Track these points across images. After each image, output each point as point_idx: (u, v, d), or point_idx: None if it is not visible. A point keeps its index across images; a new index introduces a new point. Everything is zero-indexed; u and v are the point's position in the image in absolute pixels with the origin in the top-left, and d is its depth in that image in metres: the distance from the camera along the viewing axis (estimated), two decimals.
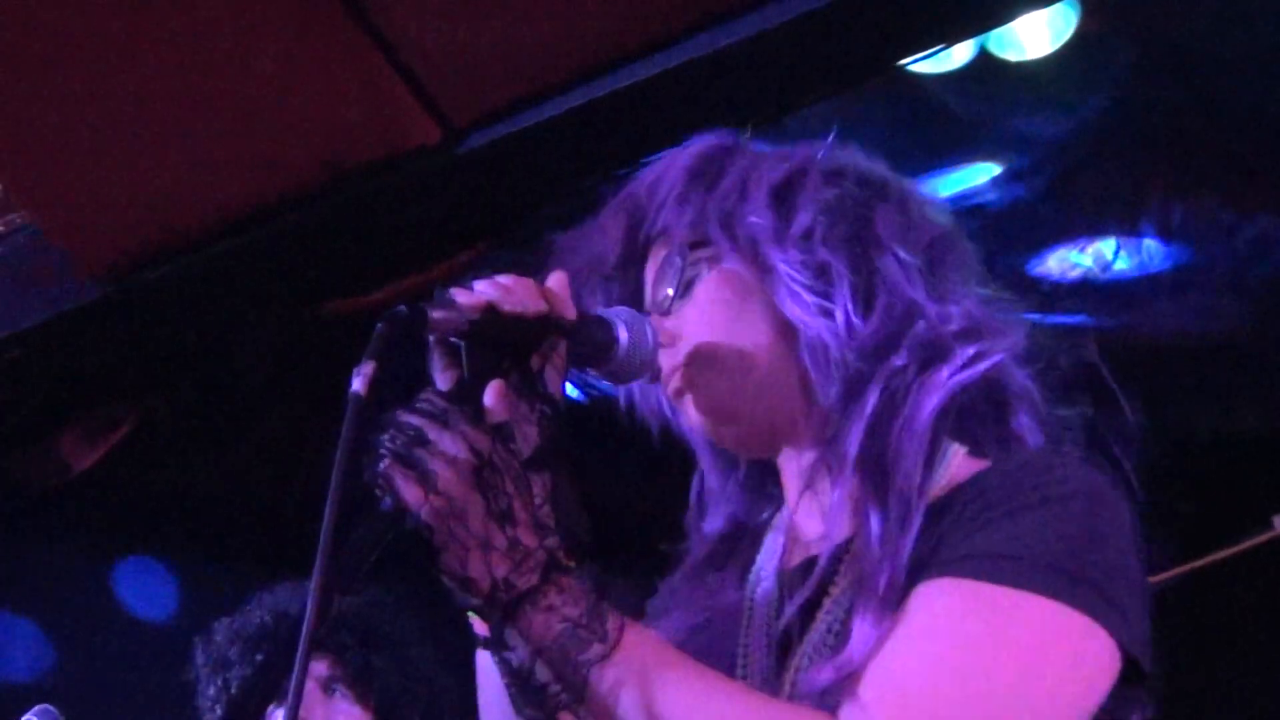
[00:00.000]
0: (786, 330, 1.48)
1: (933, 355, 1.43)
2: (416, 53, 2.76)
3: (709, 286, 1.53)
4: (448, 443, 1.29)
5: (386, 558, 1.29)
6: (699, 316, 1.53)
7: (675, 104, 2.72)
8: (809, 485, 1.49)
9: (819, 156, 1.53)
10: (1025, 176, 3.83)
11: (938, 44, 2.74)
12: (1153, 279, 4.17)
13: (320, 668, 2.77)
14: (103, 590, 4.53)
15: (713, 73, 2.67)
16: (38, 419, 3.80)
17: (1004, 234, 4.05)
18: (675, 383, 1.53)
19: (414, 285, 3.37)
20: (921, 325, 1.44)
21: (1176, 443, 4.82)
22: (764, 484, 1.59)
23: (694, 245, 1.53)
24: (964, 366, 1.42)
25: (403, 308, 1.34)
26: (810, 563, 1.45)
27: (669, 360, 1.52)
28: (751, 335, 1.50)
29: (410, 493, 1.27)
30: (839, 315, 1.43)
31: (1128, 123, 3.79)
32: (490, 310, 1.37)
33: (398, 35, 2.75)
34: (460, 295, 1.38)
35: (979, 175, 3.84)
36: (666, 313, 1.54)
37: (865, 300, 1.45)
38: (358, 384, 1.28)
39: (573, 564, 1.32)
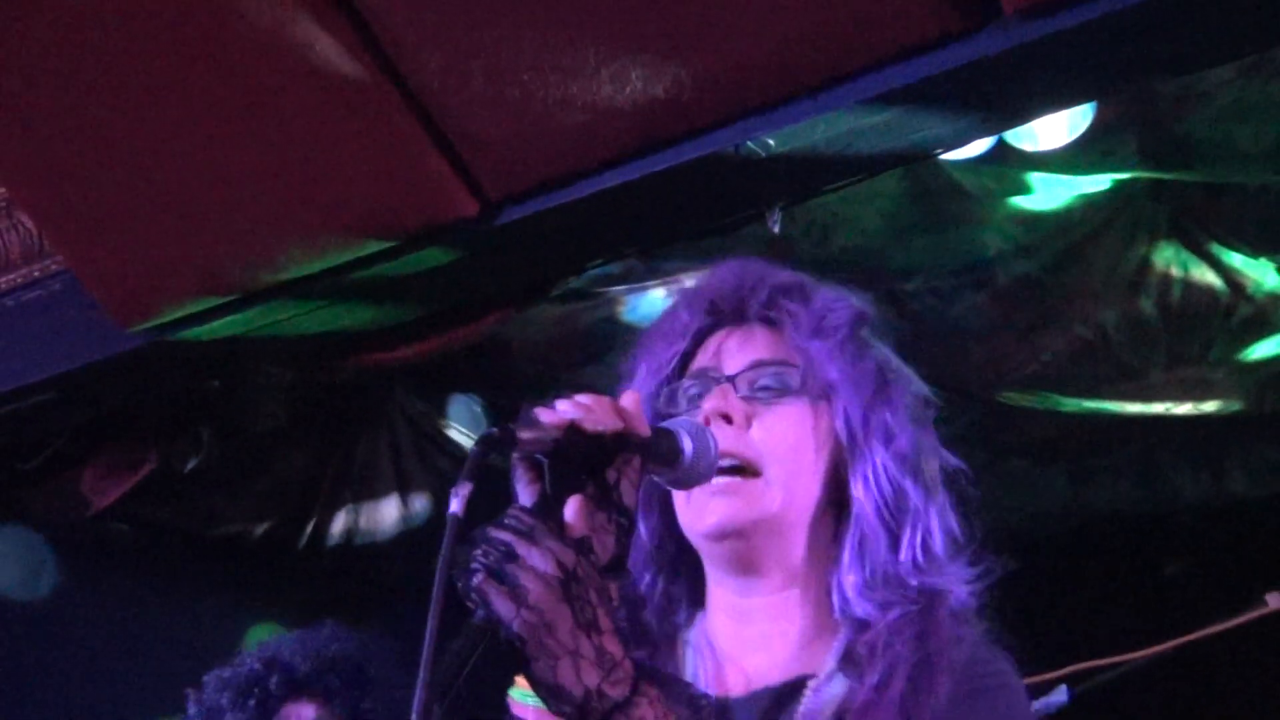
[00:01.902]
0: (836, 499, 1.63)
1: (949, 607, 1.61)
2: (458, 130, 2.86)
3: (805, 414, 1.65)
4: (536, 558, 1.39)
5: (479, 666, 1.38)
6: (788, 428, 1.64)
7: (698, 192, 2.83)
8: (765, 620, 1.63)
9: (928, 393, 1.70)
10: (1032, 251, 3.95)
11: (967, 141, 2.85)
12: (1149, 352, 4.29)
13: (308, 711, 2.83)
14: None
15: (748, 158, 2.77)
16: (63, 458, 3.89)
17: (1011, 304, 4.18)
18: (729, 462, 1.61)
19: (438, 345, 3.48)
20: (953, 588, 1.62)
21: (1172, 515, 4.93)
22: (685, 591, 1.70)
23: (816, 379, 1.65)
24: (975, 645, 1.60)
25: (494, 430, 1.44)
26: (757, 696, 1.58)
27: (732, 442, 1.61)
28: (812, 479, 1.64)
29: (503, 606, 1.37)
30: (904, 543, 1.60)
31: (1132, 202, 3.93)
32: (572, 429, 1.48)
33: (441, 113, 2.85)
34: (544, 415, 1.49)
35: (989, 248, 3.96)
36: (752, 398, 1.65)
37: (926, 549, 1.61)
38: (456, 505, 1.37)
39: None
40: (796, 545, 1.64)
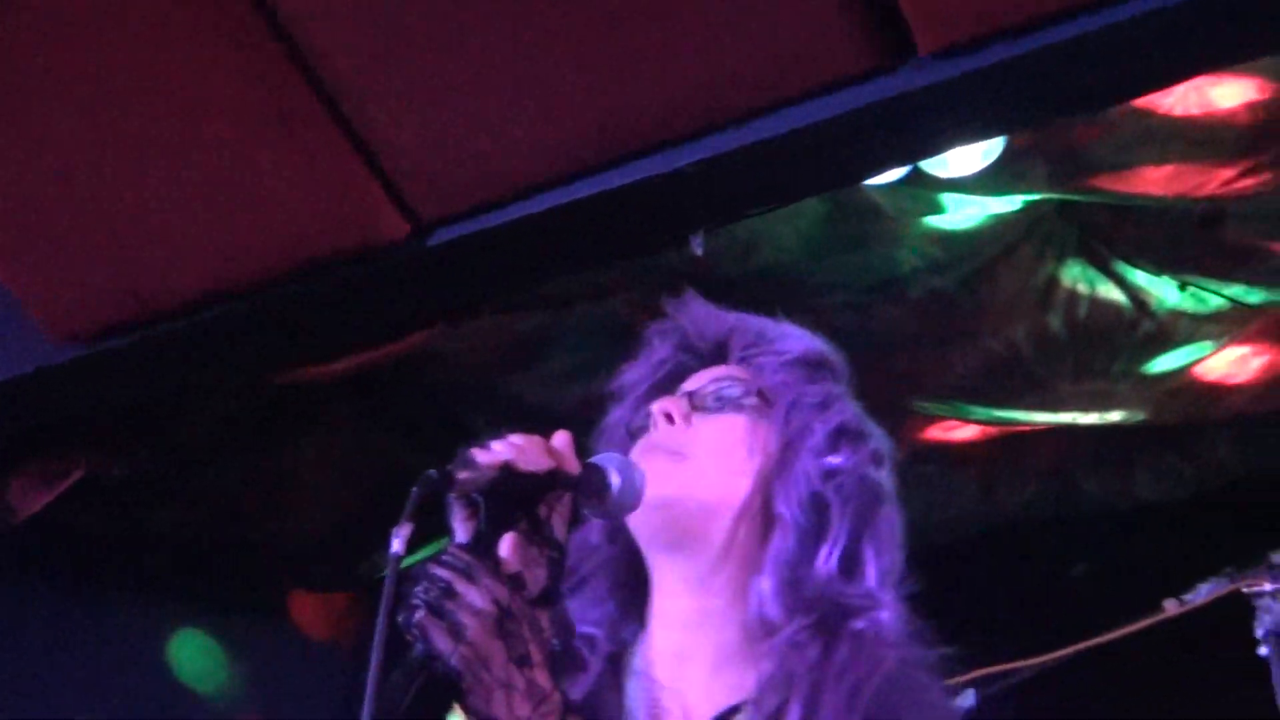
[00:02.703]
0: (766, 506, 1.72)
1: (876, 629, 1.67)
2: (389, 153, 2.92)
3: (743, 422, 1.76)
4: (474, 596, 1.48)
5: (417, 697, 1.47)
6: (724, 432, 1.76)
7: (625, 216, 2.92)
8: (695, 627, 1.71)
9: (882, 443, 1.81)
10: (946, 268, 4.08)
11: (883, 170, 2.96)
12: (1057, 365, 4.44)
13: None
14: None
15: (674, 185, 2.86)
16: None
17: (925, 319, 4.31)
18: (662, 459, 1.73)
19: (369, 360, 3.54)
20: (878, 610, 1.69)
21: (1080, 521, 5.11)
22: (632, 605, 1.79)
23: (759, 392, 1.77)
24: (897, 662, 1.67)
25: (433, 472, 1.52)
26: None
27: (669, 437, 1.74)
28: (742, 481, 1.74)
29: (442, 641, 1.46)
30: (820, 554, 1.68)
31: (1041, 222, 4.08)
32: (506, 468, 1.57)
33: (372, 137, 2.91)
34: (480, 455, 1.57)
35: (905, 265, 4.09)
36: (699, 406, 1.77)
37: (845, 563, 1.69)
38: (397, 545, 1.45)
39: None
40: (722, 536, 1.72)
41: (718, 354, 1.85)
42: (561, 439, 1.64)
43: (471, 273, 3.14)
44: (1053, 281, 4.16)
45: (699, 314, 1.88)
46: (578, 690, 1.75)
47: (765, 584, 1.69)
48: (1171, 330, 4.30)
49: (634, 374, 1.87)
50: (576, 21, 2.73)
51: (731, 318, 1.88)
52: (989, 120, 2.86)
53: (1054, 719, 4.60)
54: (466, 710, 1.48)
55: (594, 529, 1.81)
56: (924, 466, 5.10)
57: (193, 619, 4.86)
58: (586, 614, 1.81)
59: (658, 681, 1.72)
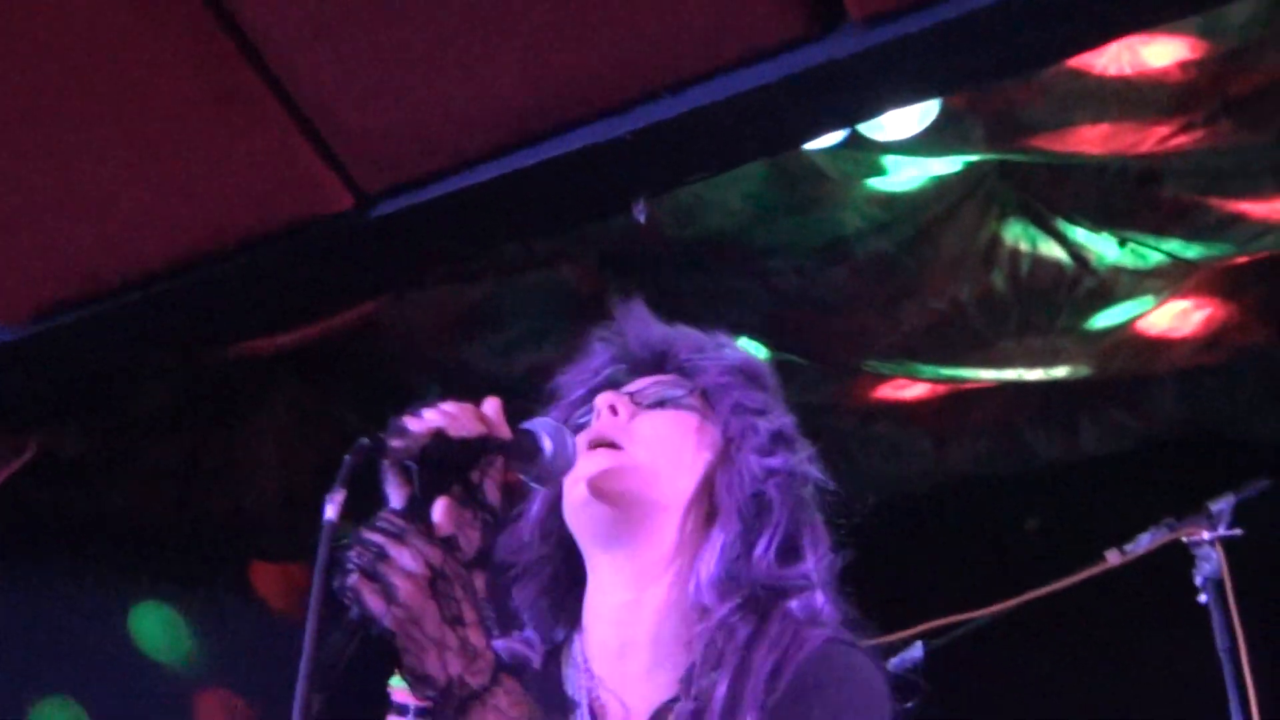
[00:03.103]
0: (709, 503, 1.78)
1: (810, 612, 1.74)
2: (332, 126, 2.94)
3: (686, 419, 1.82)
4: (405, 558, 1.52)
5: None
6: (667, 427, 1.82)
7: (566, 185, 2.95)
8: (633, 622, 1.76)
9: (811, 451, 1.87)
10: (889, 230, 4.13)
11: (819, 135, 3.00)
12: (1001, 322, 4.50)
13: None
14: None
15: (614, 153, 2.89)
16: None
17: (870, 279, 4.36)
18: (603, 452, 1.78)
19: (318, 332, 3.57)
20: (814, 596, 1.76)
21: (1029, 474, 5.17)
22: (564, 605, 1.85)
23: (702, 393, 1.84)
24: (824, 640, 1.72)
25: (365, 440, 1.56)
26: None
27: (611, 427, 1.79)
28: (687, 476, 1.80)
29: (375, 604, 1.50)
30: (760, 544, 1.75)
31: (982, 182, 4.13)
32: (438, 435, 1.61)
33: (314, 110, 2.92)
34: (412, 423, 1.62)
35: (848, 227, 4.14)
36: (641, 403, 1.83)
37: (782, 553, 1.76)
38: (330, 511, 1.49)
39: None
40: (666, 531, 1.77)
41: (656, 364, 1.90)
42: (491, 405, 1.68)
43: (416, 243, 3.16)
44: (995, 240, 4.22)
45: (641, 324, 1.94)
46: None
47: (704, 574, 1.75)
48: (1112, 286, 4.37)
49: (571, 376, 1.93)
50: None
51: (672, 331, 1.94)
52: (923, 84, 2.90)
53: (1002, 670, 4.70)
54: (402, 670, 1.52)
55: (527, 527, 1.86)
56: (876, 425, 5.16)
57: (154, 592, 4.89)
58: (521, 613, 1.86)
59: (597, 676, 1.77)
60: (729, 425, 1.82)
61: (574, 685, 1.78)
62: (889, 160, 3.89)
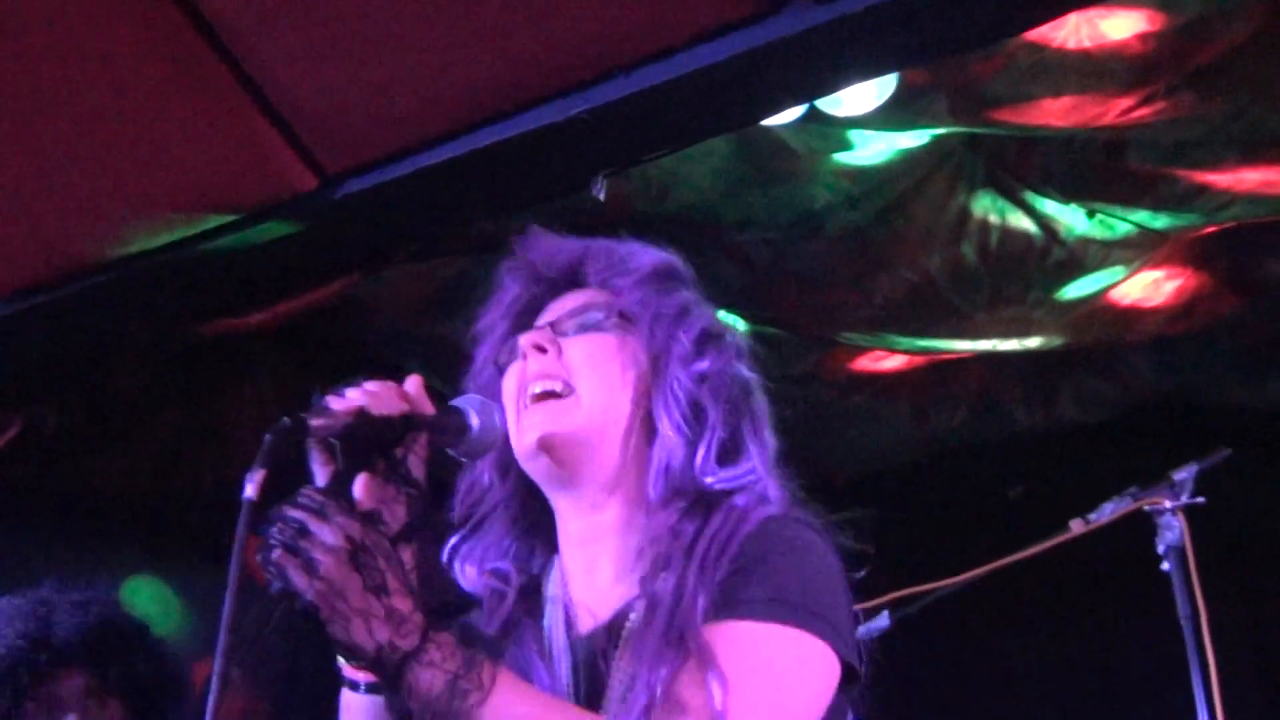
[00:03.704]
0: (647, 418, 1.82)
1: (757, 501, 1.79)
2: (293, 108, 2.99)
3: (611, 341, 1.86)
4: (326, 533, 1.57)
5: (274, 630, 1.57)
6: (595, 352, 1.85)
7: (527, 164, 3.00)
8: (594, 542, 1.81)
9: (739, 336, 1.91)
10: (859, 203, 4.17)
11: (776, 112, 3.04)
12: (973, 294, 4.53)
13: (77, 681, 2.80)
14: None
15: (572, 131, 2.93)
16: None
17: (842, 252, 4.40)
18: (541, 386, 1.82)
19: (291, 310, 3.62)
20: (761, 486, 1.81)
21: (1009, 442, 5.17)
22: (535, 535, 1.90)
23: (620, 313, 1.86)
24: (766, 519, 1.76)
25: (286, 420, 1.61)
26: (594, 634, 1.77)
27: (545, 366, 1.83)
28: (622, 397, 1.83)
29: (298, 578, 1.55)
30: (700, 451, 1.78)
31: (950, 155, 4.16)
32: (360, 414, 1.66)
33: (276, 92, 2.97)
34: (334, 402, 1.67)
35: (819, 200, 4.17)
36: (564, 333, 1.86)
37: (723, 454, 1.80)
38: (250, 490, 1.54)
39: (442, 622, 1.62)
40: (610, 458, 1.81)
41: (571, 280, 1.93)
42: (413, 383, 1.73)
43: (381, 221, 3.21)
44: (964, 213, 4.25)
45: (546, 245, 1.96)
46: (496, 622, 1.86)
47: (653, 492, 1.79)
48: (1082, 257, 4.40)
49: (492, 314, 1.96)
50: None
51: (579, 244, 1.95)
52: (874, 59, 2.93)
53: (969, 637, 4.75)
54: (330, 641, 1.58)
55: (485, 470, 1.91)
56: (855, 396, 5.21)
57: (145, 566, 4.95)
58: (492, 552, 1.91)
59: (572, 599, 1.83)
60: (653, 339, 1.85)
61: (551, 615, 1.83)
62: (856, 135, 3.92)
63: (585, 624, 1.80)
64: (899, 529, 5.29)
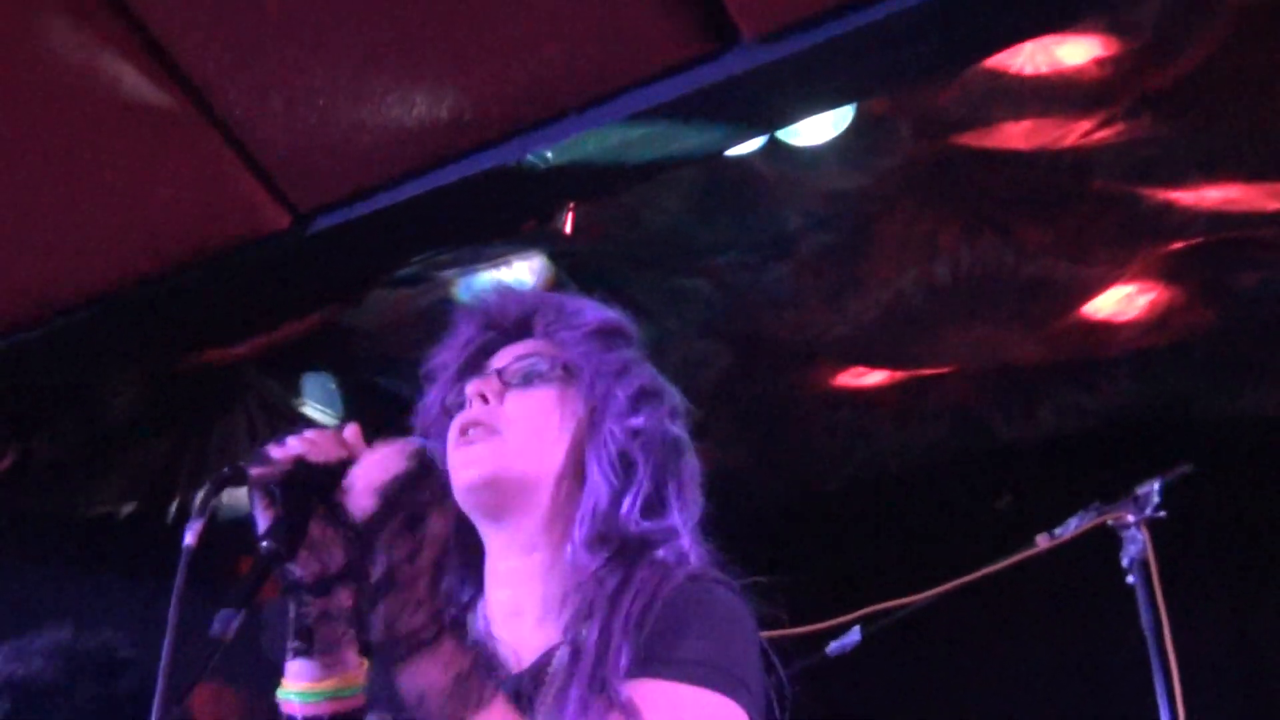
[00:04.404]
0: (579, 467, 1.91)
1: (677, 557, 1.87)
2: (265, 151, 3.09)
3: (551, 394, 1.95)
4: None
5: None
6: (534, 404, 1.94)
7: (489, 200, 3.09)
8: (521, 584, 1.90)
9: (675, 399, 1.99)
10: (831, 224, 4.25)
11: (730, 147, 3.13)
12: (946, 313, 4.60)
13: None
14: None
15: (524, 174, 3.03)
16: None
17: (816, 273, 4.47)
18: (473, 431, 1.91)
19: (270, 341, 3.72)
20: (681, 542, 1.89)
21: (990, 455, 5.22)
22: (467, 569, 1.97)
23: (564, 365, 1.96)
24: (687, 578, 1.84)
25: (226, 469, 1.70)
26: (520, 677, 1.84)
27: (483, 414, 1.91)
28: (556, 446, 1.92)
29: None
30: (626, 500, 1.87)
31: (918, 176, 4.23)
32: (299, 461, 1.75)
33: (248, 136, 3.07)
34: (274, 451, 1.76)
35: (791, 223, 4.25)
36: (508, 381, 1.95)
37: (648, 507, 1.89)
38: (189, 538, 1.64)
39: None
40: (541, 502, 1.89)
41: (521, 329, 2.02)
42: (351, 431, 1.82)
43: (353, 257, 3.31)
44: (934, 231, 4.32)
45: (500, 295, 2.06)
46: None
47: (578, 536, 1.87)
48: (1050, 273, 4.46)
49: (444, 355, 2.05)
50: (429, 19, 2.89)
51: (531, 296, 2.08)
52: (823, 94, 3.02)
53: (937, 651, 4.81)
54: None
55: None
56: (837, 412, 5.28)
57: (134, 594, 5.03)
58: None
59: (496, 637, 1.91)
60: (591, 394, 1.93)
61: (477, 643, 1.90)
62: (823, 159, 3.99)
63: (509, 665, 1.87)
64: (880, 539, 5.39)
